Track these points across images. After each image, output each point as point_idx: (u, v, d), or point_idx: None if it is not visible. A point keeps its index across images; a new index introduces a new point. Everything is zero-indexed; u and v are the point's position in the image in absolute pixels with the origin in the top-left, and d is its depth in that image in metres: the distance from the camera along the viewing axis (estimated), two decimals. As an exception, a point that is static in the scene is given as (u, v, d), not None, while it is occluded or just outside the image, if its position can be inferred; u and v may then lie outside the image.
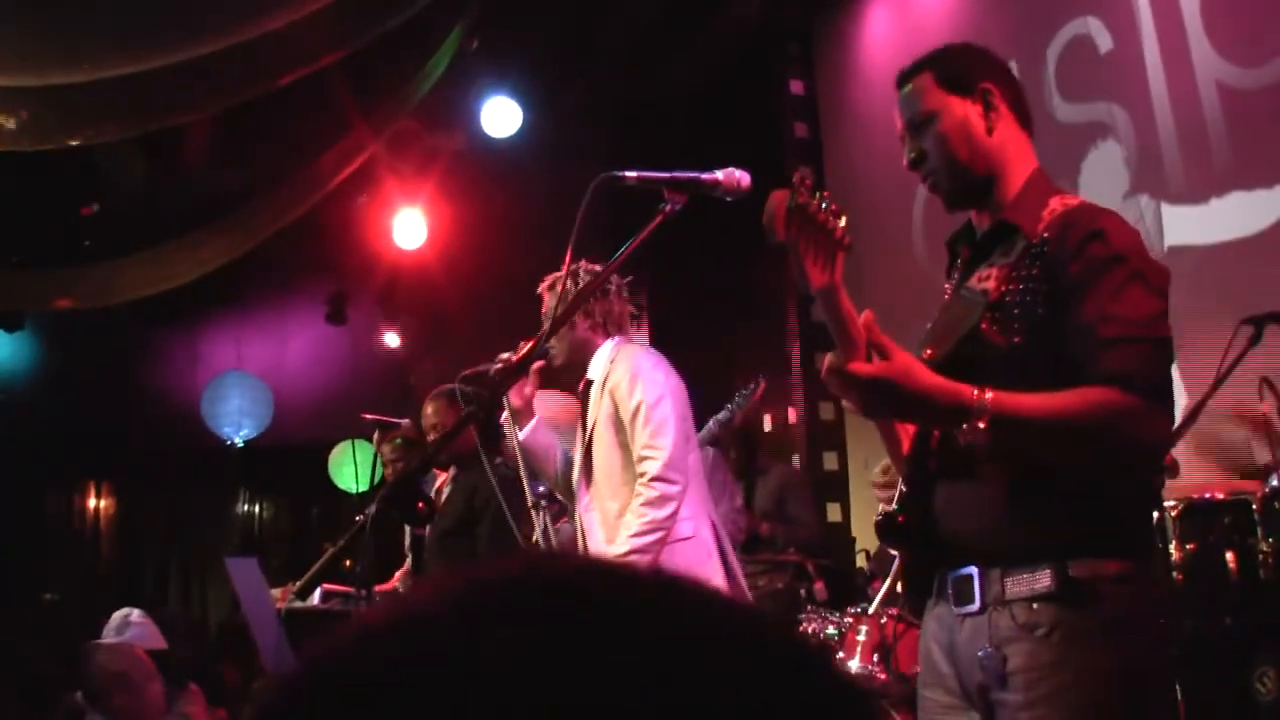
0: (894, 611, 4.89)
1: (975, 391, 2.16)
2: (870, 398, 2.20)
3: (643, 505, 3.73)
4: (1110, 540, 2.25)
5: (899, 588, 2.67)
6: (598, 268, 4.05)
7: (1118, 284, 2.24)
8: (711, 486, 5.60)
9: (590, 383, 4.08)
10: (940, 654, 2.42)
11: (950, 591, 2.38)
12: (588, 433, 4.09)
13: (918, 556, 2.49)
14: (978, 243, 2.53)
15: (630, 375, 3.91)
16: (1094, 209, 2.42)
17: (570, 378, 4.20)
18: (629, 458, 3.92)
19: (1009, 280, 2.35)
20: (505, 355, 4.05)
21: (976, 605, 2.31)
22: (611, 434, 3.99)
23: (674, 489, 3.74)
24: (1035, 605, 2.22)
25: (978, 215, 2.57)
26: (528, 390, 4.24)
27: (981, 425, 2.14)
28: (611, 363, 3.99)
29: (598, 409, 4.04)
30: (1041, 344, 2.28)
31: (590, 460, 4.06)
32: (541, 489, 4.42)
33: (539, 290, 4.29)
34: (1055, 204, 2.42)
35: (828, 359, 2.23)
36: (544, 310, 4.19)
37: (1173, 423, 2.29)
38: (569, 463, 4.29)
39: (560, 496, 4.41)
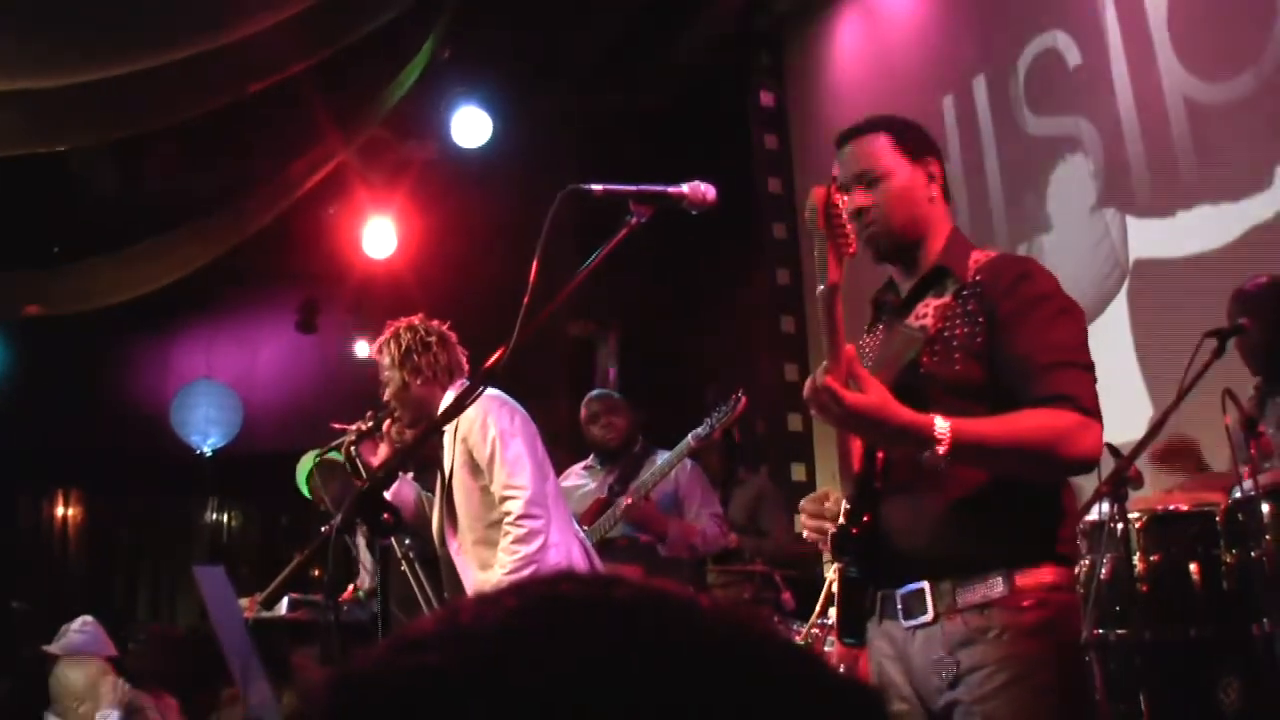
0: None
1: (938, 422, 2.36)
2: (851, 424, 2.41)
3: (513, 543, 3.99)
4: (1047, 551, 2.52)
5: (831, 613, 2.77)
6: (417, 322, 4.42)
7: (1048, 317, 2.55)
8: (690, 499, 5.66)
9: (443, 431, 4.26)
10: (893, 667, 2.62)
11: (899, 606, 2.59)
12: (446, 478, 4.31)
13: (865, 572, 2.62)
14: (914, 287, 2.76)
15: (480, 421, 4.13)
16: (1016, 256, 2.82)
17: (435, 445, 4.40)
18: (489, 498, 4.15)
19: (946, 316, 2.62)
20: (357, 424, 4.47)
21: (929, 615, 2.52)
22: (469, 478, 4.22)
23: (539, 523, 4.03)
24: (986, 611, 2.46)
25: (899, 271, 2.83)
26: (382, 450, 4.50)
27: (942, 451, 2.35)
28: None
29: (453, 455, 4.25)
30: (979, 371, 2.55)
31: (452, 504, 4.29)
32: (408, 541, 4.72)
33: (371, 354, 4.57)
34: (978, 255, 2.72)
35: (810, 379, 2.39)
36: (381, 374, 4.44)
37: (1103, 437, 2.52)
38: (428, 503, 4.55)
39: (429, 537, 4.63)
